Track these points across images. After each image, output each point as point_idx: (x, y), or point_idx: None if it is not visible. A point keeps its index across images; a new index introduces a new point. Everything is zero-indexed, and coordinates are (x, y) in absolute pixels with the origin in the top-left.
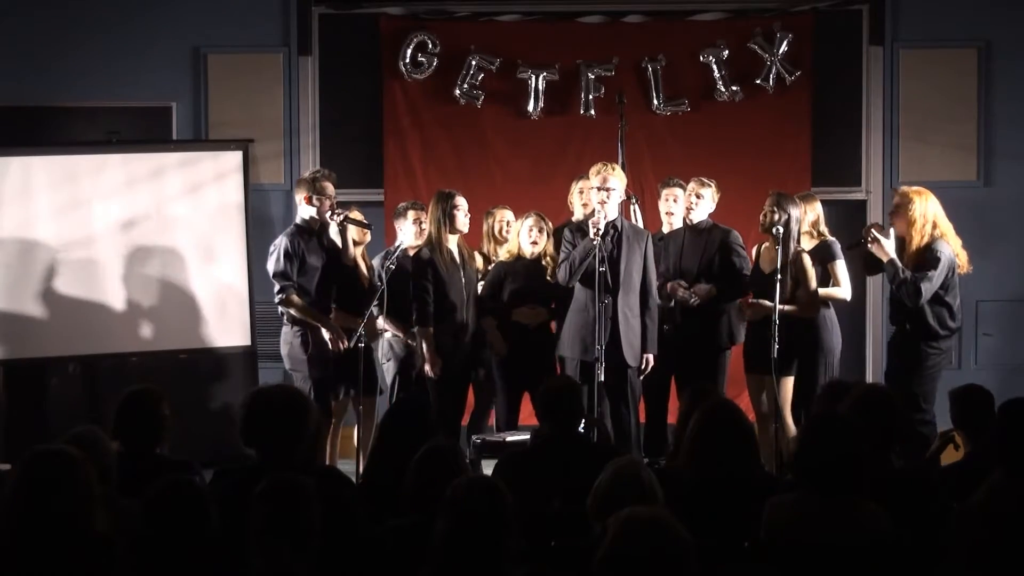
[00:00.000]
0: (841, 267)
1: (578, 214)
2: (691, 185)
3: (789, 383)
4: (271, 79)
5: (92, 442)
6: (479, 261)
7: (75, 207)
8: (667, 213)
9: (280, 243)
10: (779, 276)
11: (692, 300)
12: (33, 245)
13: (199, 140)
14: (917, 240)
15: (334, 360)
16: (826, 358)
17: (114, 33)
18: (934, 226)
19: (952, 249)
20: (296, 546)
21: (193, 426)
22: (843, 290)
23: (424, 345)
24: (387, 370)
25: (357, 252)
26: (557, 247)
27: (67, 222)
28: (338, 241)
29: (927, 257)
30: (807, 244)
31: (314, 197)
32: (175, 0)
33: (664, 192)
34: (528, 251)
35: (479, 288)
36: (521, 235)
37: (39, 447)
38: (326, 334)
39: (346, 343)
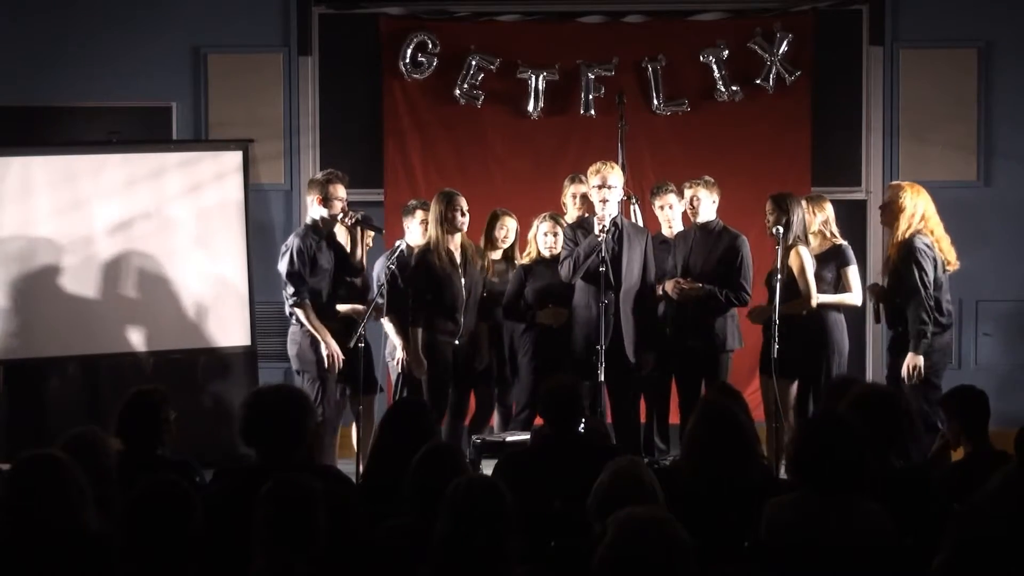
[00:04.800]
0: (854, 272)
1: (571, 215)
2: (687, 191)
3: (794, 384)
4: (271, 79)
5: (92, 442)
6: (480, 263)
7: (75, 207)
8: (667, 220)
9: (292, 244)
10: (779, 276)
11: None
12: (33, 245)
13: (199, 140)
14: (904, 229)
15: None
16: (836, 360)
17: (114, 33)
18: (922, 219)
19: (931, 241)
20: (299, 547)
21: (193, 426)
22: (854, 296)
23: (411, 344)
24: (391, 368)
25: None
26: None
27: (67, 222)
28: (346, 243)
29: (906, 257)
30: (816, 245)
31: (326, 199)
32: (175, 0)
33: (658, 201)
34: (546, 253)
35: (482, 288)
36: (538, 238)
37: (26, 453)
38: (324, 349)
39: (340, 361)
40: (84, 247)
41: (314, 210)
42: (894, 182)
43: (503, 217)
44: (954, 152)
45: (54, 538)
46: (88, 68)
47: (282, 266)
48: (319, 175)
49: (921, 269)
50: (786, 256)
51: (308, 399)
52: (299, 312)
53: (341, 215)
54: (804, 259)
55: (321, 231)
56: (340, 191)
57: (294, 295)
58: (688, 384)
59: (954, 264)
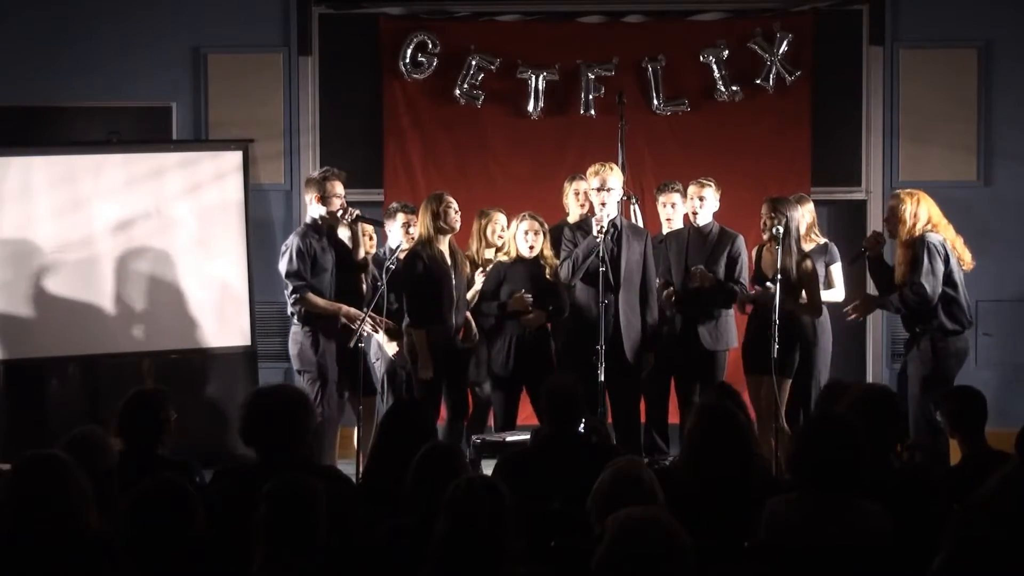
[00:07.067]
0: (838, 270)
1: (573, 215)
2: (691, 188)
3: (787, 384)
4: (271, 79)
5: (93, 442)
6: (467, 265)
7: (75, 207)
8: (667, 219)
9: (292, 243)
10: (779, 277)
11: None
12: (33, 245)
13: (199, 140)
14: (907, 239)
15: (338, 360)
16: (820, 359)
17: (114, 33)
18: (927, 223)
19: (943, 238)
20: (299, 547)
21: (193, 426)
22: (837, 292)
23: (417, 347)
24: (376, 369)
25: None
26: (554, 246)
27: (67, 222)
28: (347, 240)
29: (915, 251)
30: (804, 247)
31: (324, 197)
32: (175, 0)
33: (662, 198)
34: (525, 252)
35: (473, 289)
36: (517, 237)
37: (28, 453)
38: (323, 345)
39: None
40: (84, 247)
41: (313, 209)
42: (894, 192)
43: (493, 214)
44: (954, 152)
45: (55, 538)
46: (88, 68)
47: (282, 265)
48: (316, 173)
49: (931, 258)
50: (788, 259)
51: (308, 399)
52: (304, 307)
53: (340, 212)
54: (814, 273)
55: (321, 229)
56: (338, 188)
57: (293, 292)
58: (688, 384)
59: (969, 264)
